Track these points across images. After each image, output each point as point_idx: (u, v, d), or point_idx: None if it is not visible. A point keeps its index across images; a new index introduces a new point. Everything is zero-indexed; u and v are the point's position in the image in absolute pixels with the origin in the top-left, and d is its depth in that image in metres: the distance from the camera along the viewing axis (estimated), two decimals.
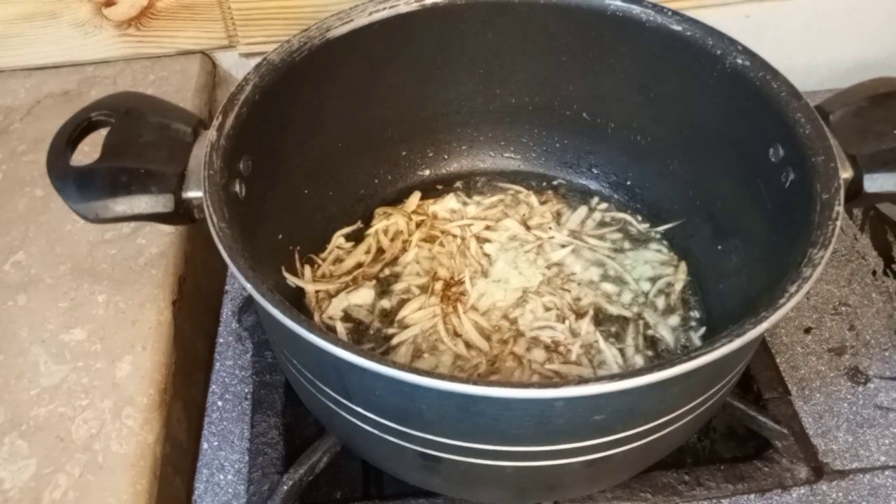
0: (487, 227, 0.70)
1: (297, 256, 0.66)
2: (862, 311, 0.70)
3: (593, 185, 0.75)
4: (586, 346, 0.62)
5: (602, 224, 0.72)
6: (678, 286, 0.67)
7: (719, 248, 0.65)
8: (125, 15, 0.79)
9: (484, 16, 0.65)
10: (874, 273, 0.73)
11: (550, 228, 0.70)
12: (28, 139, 0.75)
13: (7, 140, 0.75)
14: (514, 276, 0.66)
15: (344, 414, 0.49)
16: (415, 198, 0.73)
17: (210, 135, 0.52)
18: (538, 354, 0.61)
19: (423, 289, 0.66)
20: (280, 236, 0.64)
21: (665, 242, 0.70)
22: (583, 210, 0.73)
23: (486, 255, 0.68)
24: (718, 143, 0.62)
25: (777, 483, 0.59)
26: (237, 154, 0.53)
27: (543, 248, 0.69)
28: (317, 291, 0.66)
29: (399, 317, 0.64)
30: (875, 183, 0.52)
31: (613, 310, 0.65)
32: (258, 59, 0.57)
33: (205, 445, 0.61)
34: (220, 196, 0.49)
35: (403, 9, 0.62)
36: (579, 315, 0.64)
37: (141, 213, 0.52)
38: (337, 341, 0.42)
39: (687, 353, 0.41)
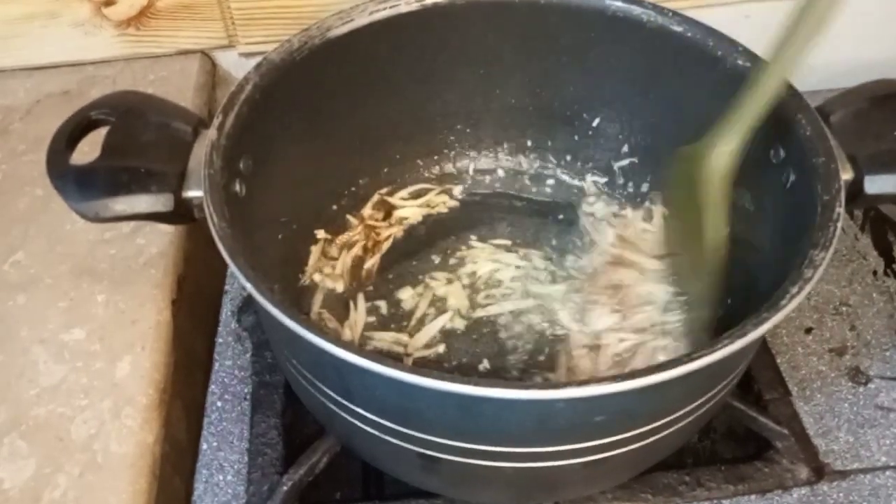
0: None
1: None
2: (863, 311, 0.70)
3: (593, 186, 0.74)
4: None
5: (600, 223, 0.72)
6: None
7: None
8: (125, 14, 0.79)
9: (484, 16, 0.65)
10: (875, 273, 0.73)
11: None
12: (28, 139, 0.75)
13: (7, 140, 0.75)
14: None
15: (343, 414, 0.49)
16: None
17: (210, 134, 0.52)
18: None
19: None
20: (280, 236, 0.63)
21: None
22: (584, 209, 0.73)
23: None
24: None
25: (778, 483, 0.59)
26: (237, 153, 0.53)
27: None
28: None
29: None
30: (875, 184, 0.52)
31: None
32: (258, 59, 0.57)
33: (204, 446, 0.61)
34: (221, 195, 0.49)
35: (404, 9, 0.62)
36: None
37: (141, 213, 0.51)
38: (337, 341, 0.41)
39: (688, 354, 0.41)
